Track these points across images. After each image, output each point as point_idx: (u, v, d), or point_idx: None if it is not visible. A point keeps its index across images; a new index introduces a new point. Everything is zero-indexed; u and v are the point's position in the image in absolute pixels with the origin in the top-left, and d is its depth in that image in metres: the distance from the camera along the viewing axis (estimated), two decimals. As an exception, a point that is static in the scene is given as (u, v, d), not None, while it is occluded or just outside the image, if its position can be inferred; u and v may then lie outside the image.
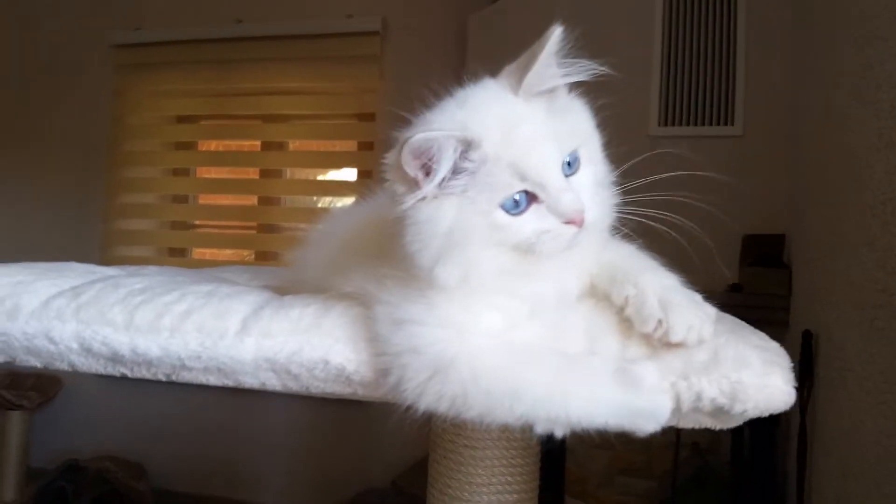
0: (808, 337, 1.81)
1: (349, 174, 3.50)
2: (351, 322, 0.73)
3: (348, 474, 3.17)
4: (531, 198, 0.70)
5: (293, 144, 3.63)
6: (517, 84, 0.73)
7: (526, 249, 0.70)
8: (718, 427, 0.68)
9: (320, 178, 3.62)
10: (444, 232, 0.69)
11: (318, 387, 0.72)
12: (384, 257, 0.74)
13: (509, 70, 0.75)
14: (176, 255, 3.61)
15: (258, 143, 3.64)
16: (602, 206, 0.76)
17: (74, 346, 0.74)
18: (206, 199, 3.75)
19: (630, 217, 0.80)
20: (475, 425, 0.69)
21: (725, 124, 2.34)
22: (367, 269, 0.76)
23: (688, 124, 2.37)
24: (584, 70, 0.77)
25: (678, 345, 0.67)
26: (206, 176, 3.73)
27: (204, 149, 3.75)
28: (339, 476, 3.20)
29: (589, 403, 0.66)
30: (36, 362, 0.76)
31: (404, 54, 3.21)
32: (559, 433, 0.67)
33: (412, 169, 0.67)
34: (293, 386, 0.72)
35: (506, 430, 1.26)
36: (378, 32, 3.28)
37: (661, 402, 0.66)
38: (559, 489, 2.39)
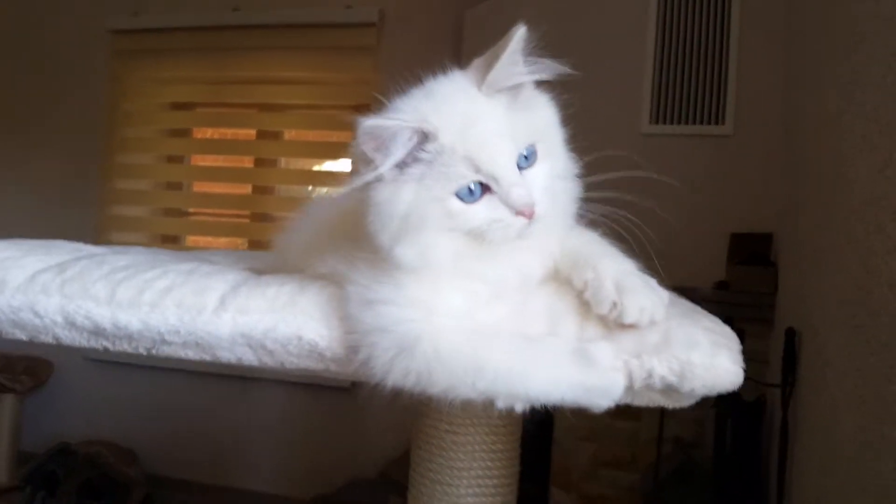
0: (791, 334, 1.83)
1: (344, 165, 3.51)
2: (325, 301, 0.76)
3: (337, 463, 3.20)
4: (485, 188, 0.74)
5: (288, 134, 3.64)
6: (481, 80, 0.76)
7: (478, 236, 0.74)
8: (672, 406, 0.71)
9: (315, 168, 3.63)
10: (402, 214, 0.73)
11: (293, 362, 0.75)
12: (357, 241, 0.78)
13: (476, 65, 0.78)
14: (169, 242, 3.62)
15: (253, 131, 3.65)
16: (556, 199, 0.79)
17: (59, 319, 0.76)
18: (200, 187, 3.75)
19: (591, 210, 0.83)
20: (449, 406, 0.71)
21: (716, 123, 2.37)
22: (342, 251, 0.80)
23: (679, 122, 2.39)
24: (549, 69, 0.79)
25: (631, 326, 0.71)
26: (201, 164, 3.74)
27: (199, 136, 3.76)
28: (328, 464, 3.22)
29: (547, 380, 0.69)
30: (21, 335, 0.78)
31: (400, 46, 3.22)
32: (519, 408, 0.71)
33: (369, 150, 0.71)
34: (268, 361, 0.75)
35: (486, 416, 1.28)
36: (375, 24, 3.29)
37: (614, 380, 0.70)
38: (544, 480, 2.42)
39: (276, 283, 0.79)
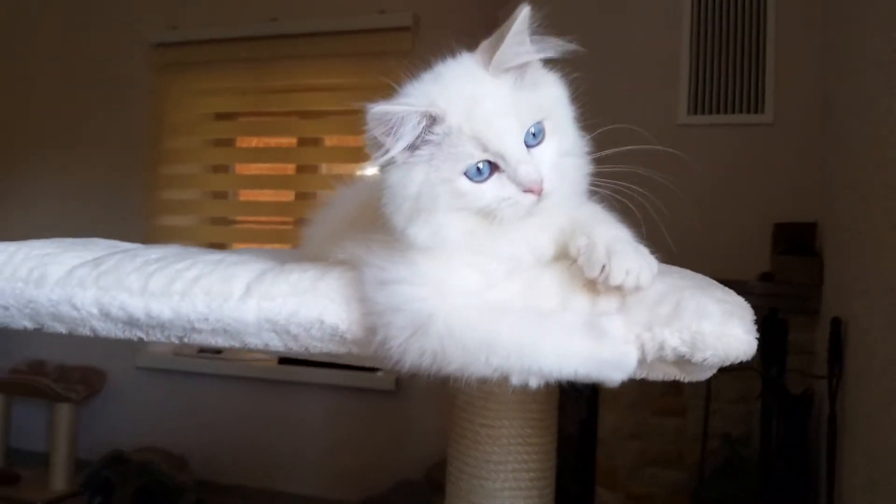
0: (836, 324, 1.79)
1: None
2: (345, 285, 0.77)
3: (384, 466, 3.22)
4: (493, 167, 0.75)
5: (329, 140, 3.69)
6: (488, 61, 0.77)
7: (487, 215, 0.75)
8: (687, 379, 0.70)
9: (356, 172, 3.65)
10: (413, 195, 0.75)
11: (316, 346, 0.76)
12: (373, 225, 0.79)
13: (484, 46, 0.80)
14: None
15: (294, 139, 3.70)
16: (564, 176, 0.80)
17: (95, 311, 0.79)
18: (245, 195, 3.83)
19: (601, 187, 0.84)
20: (467, 386, 0.72)
21: (755, 112, 2.32)
22: (359, 237, 0.81)
23: (717, 112, 2.36)
24: (554, 47, 0.80)
25: (617, 288, 0.71)
26: (245, 172, 3.82)
27: (242, 145, 3.84)
28: (374, 467, 3.24)
29: (559, 354, 0.69)
30: (61, 328, 0.81)
31: (435, 50, 3.22)
32: (533, 384, 0.70)
33: (379, 135, 0.74)
34: (293, 346, 0.76)
35: (520, 409, 1.28)
36: (409, 28, 3.32)
37: (626, 352, 0.69)
38: (590, 480, 2.40)
39: (299, 270, 0.81)
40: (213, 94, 3.72)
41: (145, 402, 3.60)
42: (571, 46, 0.80)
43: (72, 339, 3.09)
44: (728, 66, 2.35)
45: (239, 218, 3.78)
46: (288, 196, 3.71)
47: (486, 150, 0.74)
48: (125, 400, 3.62)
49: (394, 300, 0.73)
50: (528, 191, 0.74)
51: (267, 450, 3.43)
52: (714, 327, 0.66)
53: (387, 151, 0.74)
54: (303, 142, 3.68)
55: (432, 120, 0.74)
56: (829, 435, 1.77)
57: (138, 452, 3.23)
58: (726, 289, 0.74)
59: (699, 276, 0.78)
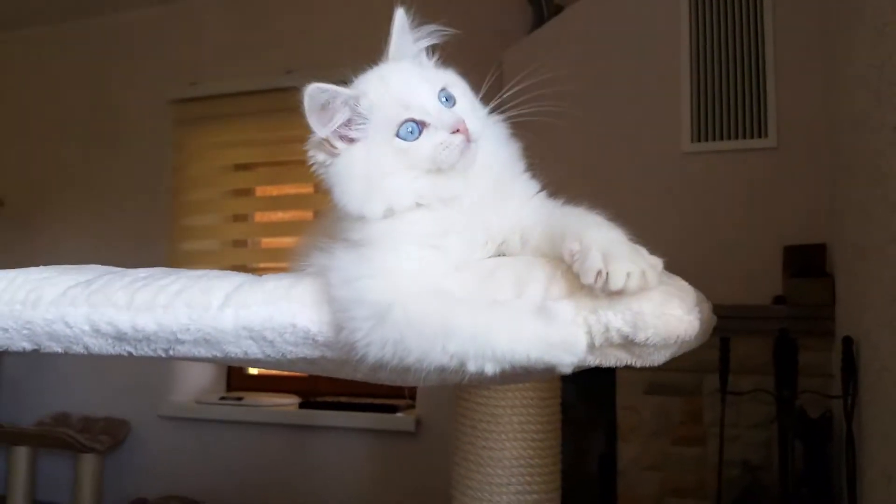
0: (848, 343, 1.77)
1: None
2: (316, 290, 0.80)
3: (407, 506, 3.20)
4: (422, 125, 0.84)
5: (345, 186, 3.75)
6: (386, 57, 0.92)
7: (431, 167, 0.83)
8: (639, 363, 0.71)
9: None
10: (360, 173, 0.83)
11: (291, 351, 0.79)
12: (333, 234, 0.87)
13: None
14: (237, 298, 3.75)
15: (311, 186, 3.78)
16: (486, 124, 0.89)
17: (86, 328, 0.83)
18: (265, 243, 3.90)
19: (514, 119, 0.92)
20: (419, 375, 0.73)
21: (759, 137, 2.33)
22: (323, 249, 0.87)
23: (721, 139, 2.37)
24: (432, 34, 0.94)
25: (619, 293, 0.70)
26: (265, 220, 3.90)
27: (261, 195, 3.92)
28: (397, 508, 3.23)
29: (511, 338, 0.71)
30: (57, 347, 0.85)
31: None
32: (489, 370, 0.71)
33: (316, 123, 0.84)
34: (270, 353, 0.79)
35: (522, 429, 1.29)
36: (420, 74, 3.40)
37: (575, 334, 0.71)
38: (611, 513, 2.37)
39: (275, 279, 0.84)
40: (231, 146, 3.83)
41: (168, 451, 3.62)
42: (449, 30, 0.93)
43: (95, 391, 3.14)
44: (729, 93, 2.38)
45: (259, 265, 3.84)
46: (306, 242, 3.76)
47: (408, 107, 0.83)
48: (148, 449, 3.65)
49: (356, 294, 0.76)
50: (455, 132, 0.82)
51: (289, 494, 3.42)
52: (654, 307, 0.68)
53: (326, 131, 0.84)
54: (320, 188, 3.74)
55: (356, 100, 0.84)
56: (847, 456, 1.74)
57: (162, 501, 3.24)
58: (669, 273, 0.75)
59: None
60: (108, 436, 3.47)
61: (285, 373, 3.59)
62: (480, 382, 1.14)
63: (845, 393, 1.76)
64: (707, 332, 0.82)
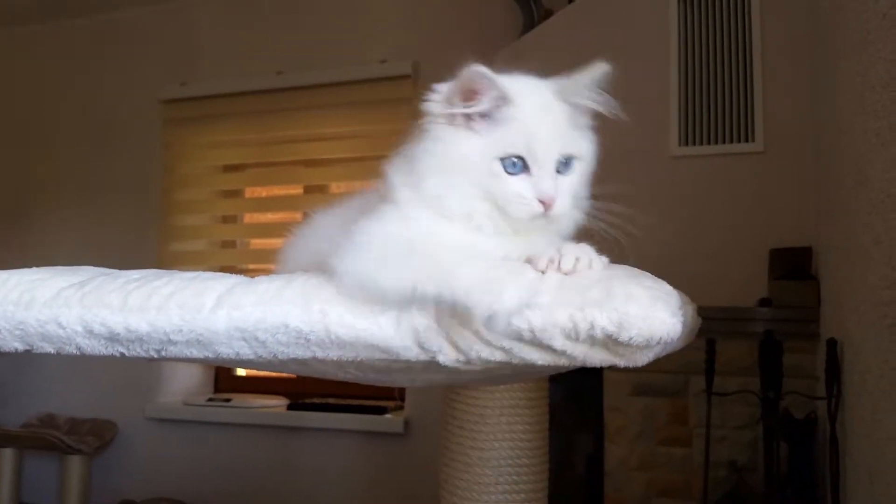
0: (832, 345, 1.79)
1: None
2: (309, 290, 0.81)
3: (396, 509, 3.21)
4: (525, 169, 0.86)
5: (335, 187, 3.76)
6: (557, 86, 0.91)
7: (498, 204, 0.86)
8: (622, 363, 0.72)
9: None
10: (454, 155, 0.87)
11: (283, 352, 0.80)
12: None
13: (555, 79, 0.93)
14: (226, 298, 3.75)
15: (301, 187, 3.79)
16: (572, 209, 0.92)
17: (79, 329, 0.84)
18: (255, 244, 3.90)
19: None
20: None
21: (746, 141, 2.36)
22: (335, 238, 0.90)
23: (708, 143, 2.40)
24: (608, 105, 0.92)
25: (569, 272, 0.77)
26: (255, 221, 3.90)
27: (251, 196, 3.92)
28: (388, 511, 3.23)
29: (468, 276, 0.76)
30: (49, 348, 0.86)
31: (436, 95, 3.32)
32: (448, 296, 0.75)
33: (461, 91, 0.86)
34: (263, 353, 0.80)
35: (510, 429, 1.30)
36: (410, 76, 3.41)
37: (505, 285, 0.75)
38: (599, 514, 2.38)
39: (267, 281, 0.85)
40: (221, 146, 3.83)
41: (155, 452, 3.61)
42: (621, 114, 0.93)
43: (82, 392, 3.13)
44: (717, 97, 2.40)
45: (251, 266, 3.84)
46: (296, 243, 3.76)
47: (529, 148, 0.86)
48: (135, 450, 3.64)
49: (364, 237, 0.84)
50: (541, 201, 0.85)
51: (277, 496, 3.42)
52: (640, 309, 0.70)
53: (456, 107, 0.86)
54: (309, 189, 3.75)
55: (505, 101, 0.86)
56: (831, 456, 1.76)
57: (150, 502, 3.24)
58: (656, 278, 0.78)
59: (634, 269, 0.82)
60: (94, 437, 3.46)
61: (274, 374, 3.59)
62: (466, 383, 1.15)
63: (829, 394, 1.78)
64: (691, 333, 0.84)
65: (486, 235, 0.87)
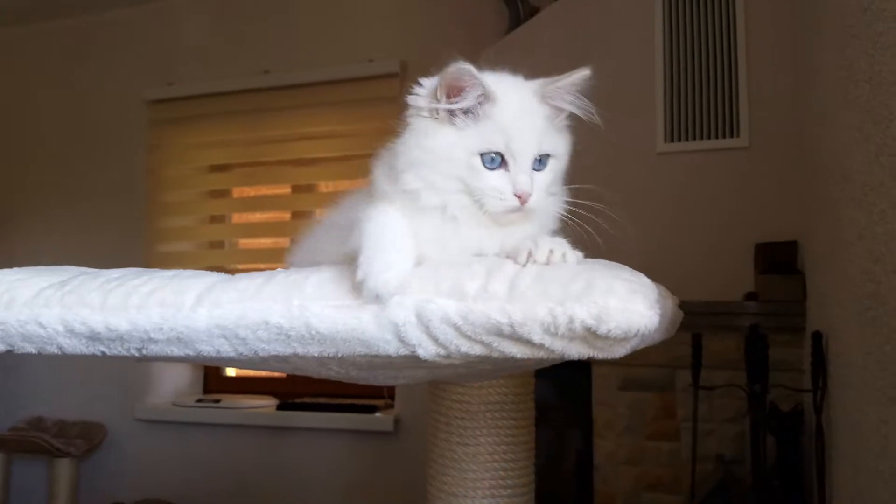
0: (817, 338, 1.80)
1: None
2: (289, 286, 0.81)
3: (387, 507, 3.21)
4: (503, 164, 0.90)
5: (323, 186, 3.76)
6: (538, 88, 0.95)
7: (476, 197, 0.89)
8: (599, 355, 0.73)
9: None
10: (432, 148, 0.89)
11: (264, 349, 0.79)
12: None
13: (537, 80, 0.97)
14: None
15: (289, 186, 3.78)
16: (546, 203, 0.95)
17: (60, 328, 0.83)
18: (243, 244, 3.89)
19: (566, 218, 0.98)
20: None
21: (731, 137, 2.37)
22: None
23: (694, 139, 2.41)
24: (585, 109, 0.96)
25: (544, 263, 0.80)
26: (243, 221, 3.88)
27: (238, 195, 3.91)
28: (377, 510, 3.23)
29: None
30: (31, 348, 0.85)
31: (424, 93, 3.32)
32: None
33: (440, 89, 0.88)
34: (244, 350, 0.80)
35: (496, 424, 1.30)
36: (397, 74, 3.41)
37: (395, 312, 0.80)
38: (588, 509, 2.39)
39: (248, 278, 0.85)
40: (208, 146, 3.82)
41: (145, 454, 3.60)
42: (598, 119, 0.96)
43: (71, 394, 3.11)
44: (702, 94, 2.41)
45: (240, 266, 3.82)
46: (285, 243, 3.76)
47: (508, 145, 0.89)
48: (125, 452, 3.62)
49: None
50: (517, 195, 0.88)
51: (267, 496, 3.42)
52: (619, 303, 0.71)
53: (441, 103, 0.89)
54: (297, 189, 3.75)
55: (488, 99, 0.89)
56: (817, 448, 1.77)
57: (139, 504, 3.22)
58: (635, 271, 0.78)
59: (613, 263, 0.83)
60: (83, 440, 3.44)
61: (263, 374, 3.58)
62: (449, 378, 1.15)
63: (815, 387, 1.79)
64: (672, 326, 0.84)
65: (465, 228, 0.89)
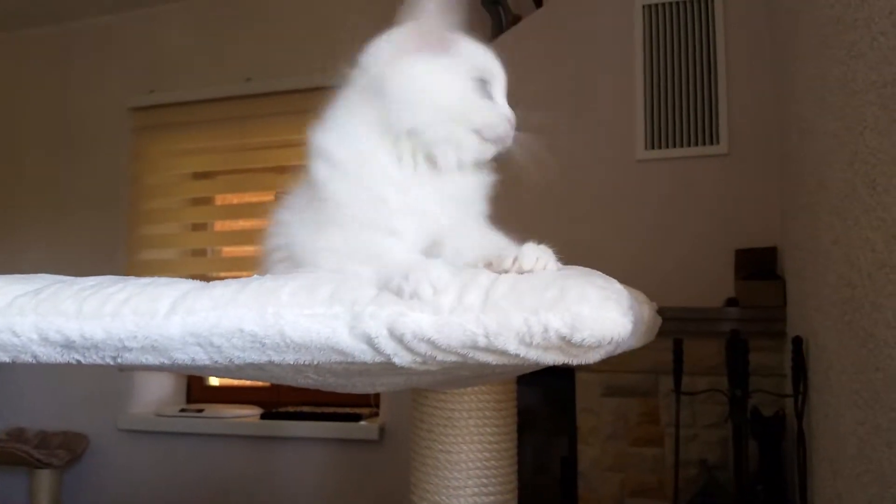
0: (798, 343, 1.82)
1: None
2: (263, 293, 0.80)
3: (371, 515, 3.19)
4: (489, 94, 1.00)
5: (306, 194, 3.74)
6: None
7: (480, 127, 0.96)
8: (574, 362, 0.73)
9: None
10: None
11: (239, 357, 0.79)
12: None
13: None
14: (197, 307, 3.72)
15: (272, 193, 3.76)
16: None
17: (34, 336, 0.82)
18: (226, 252, 3.87)
19: None
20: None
21: (711, 144, 2.39)
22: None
23: (674, 146, 2.43)
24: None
25: (529, 271, 0.80)
26: (226, 229, 3.87)
27: (221, 203, 3.90)
28: (362, 518, 3.22)
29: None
30: (4, 357, 0.84)
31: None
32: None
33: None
34: (218, 359, 0.79)
35: (479, 433, 1.30)
36: (379, 80, 3.41)
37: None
38: (573, 515, 2.39)
39: (223, 285, 0.84)
40: (190, 154, 3.79)
41: (127, 465, 3.56)
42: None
43: (52, 404, 3.08)
44: (682, 101, 2.44)
45: (223, 274, 3.81)
46: (268, 250, 3.74)
47: (492, 75, 1.01)
48: (107, 463, 3.58)
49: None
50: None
51: (252, 507, 3.40)
52: (592, 310, 0.70)
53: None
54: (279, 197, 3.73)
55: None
56: (798, 452, 1.79)
57: (121, 515, 3.19)
58: (608, 277, 0.78)
59: (586, 269, 0.83)
60: (65, 450, 3.40)
61: (246, 383, 3.56)
62: (428, 385, 1.15)
63: (796, 392, 1.81)
64: (650, 332, 0.85)
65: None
